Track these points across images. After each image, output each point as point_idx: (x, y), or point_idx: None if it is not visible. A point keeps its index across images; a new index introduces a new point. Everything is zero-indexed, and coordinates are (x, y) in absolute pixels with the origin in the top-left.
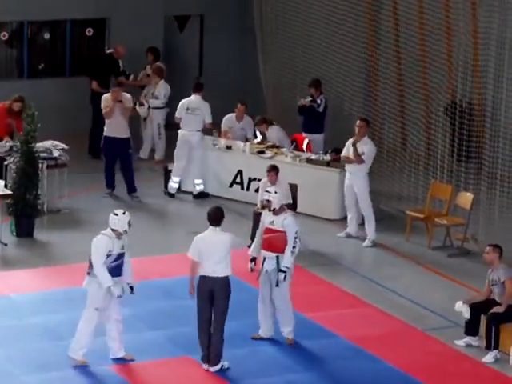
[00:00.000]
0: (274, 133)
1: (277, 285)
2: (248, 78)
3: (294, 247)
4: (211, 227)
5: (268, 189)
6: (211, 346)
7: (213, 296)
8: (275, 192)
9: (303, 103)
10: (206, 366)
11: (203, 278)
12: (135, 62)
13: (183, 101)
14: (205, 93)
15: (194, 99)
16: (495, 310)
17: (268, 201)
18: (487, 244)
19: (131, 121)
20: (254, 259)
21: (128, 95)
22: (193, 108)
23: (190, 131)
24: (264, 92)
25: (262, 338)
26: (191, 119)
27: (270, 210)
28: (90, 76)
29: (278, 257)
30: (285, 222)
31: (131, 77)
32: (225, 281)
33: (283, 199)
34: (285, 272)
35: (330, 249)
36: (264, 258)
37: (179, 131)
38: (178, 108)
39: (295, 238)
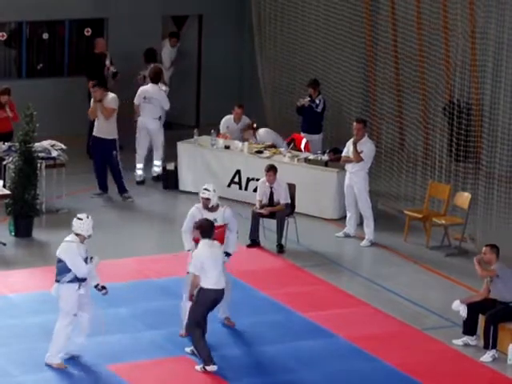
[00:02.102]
0: (264, 135)
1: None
2: (246, 78)
3: (237, 232)
4: (206, 240)
5: (206, 186)
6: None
7: (213, 306)
8: (214, 190)
9: (302, 103)
10: (215, 367)
11: (207, 291)
12: (133, 61)
13: (141, 89)
14: (203, 93)
15: (150, 88)
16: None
17: (207, 199)
18: (484, 244)
19: (130, 121)
20: None
21: (112, 95)
22: (149, 97)
23: (147, 119)
24: (262, 92)
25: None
26: (148, 107)
27: (206, 208)
28: (87, 76)
29: None
30: (226, 215)
31: (110, 71)
32: (223, 292)
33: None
34: (229, 255)
35: (328, 249)
36: None
37: (138, 118)
38: (136, 95)
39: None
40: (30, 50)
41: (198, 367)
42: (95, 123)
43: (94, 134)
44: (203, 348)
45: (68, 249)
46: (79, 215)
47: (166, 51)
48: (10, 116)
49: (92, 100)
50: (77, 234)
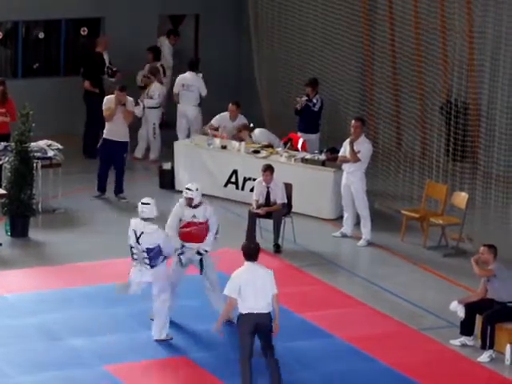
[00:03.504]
0: (259, 135)
1: (201, 271)
2: (243, 77)
3: (216, 233)
4: (248, 263)
5: (189, 186)
6: (274, 372)
7: (256, 330)
8: (196, 189)
9: (300, 105)
10: None
11: (247, 316)
12: (130, 61)
13: (179, 77)
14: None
15: (188, 76)
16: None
17: (190, 199)
18: (482, 244)
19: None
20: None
21: (131, 98)
22: (187, 85)
23: (186, 106)
24: (259, 91)
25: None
26: (186, 95)
27: (190, 207)
28: (82, 76)
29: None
30: (207, 213)
31: (116, 73)
32: (270, 316)
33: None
34: (202, 255)
35: (325, 248)
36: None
37: (178, 106)
38: (175, 84)
39: (218, 224)
40: (25, 49)
41: None
42: (107, 126)
43: (105, 136)
44: (244, 376)
45: (160, 235)
46: (143, 200)
47: (166, 49)
48: (7, 121)
49: (106, 102)
50: (146, 219)
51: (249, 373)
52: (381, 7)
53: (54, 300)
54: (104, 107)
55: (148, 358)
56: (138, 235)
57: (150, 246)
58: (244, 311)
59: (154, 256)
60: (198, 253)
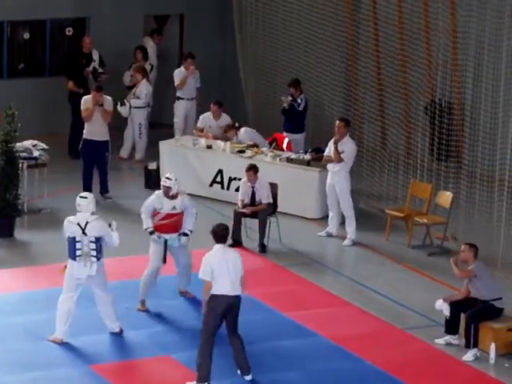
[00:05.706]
0: (243, 134)
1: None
2: (228, 77)
3: (196, 213)
4: (219, 245)
5: (168, 175)
6: (242, 356)
7: (227, 312)
8: (175, 179)
9: (285, 102)
10: None
11: (217, 298)
12: (115, 61)
13: None
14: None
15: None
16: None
17: (168, 187)
18: (464, 242)
19: (117, 119)
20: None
21: (109, 98)
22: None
23: None
24: (244, 91)
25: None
26: None
27: (168, 196)
28: (67, 76)
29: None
30: (185, 203)
31: (102, 76)
32: (239, 299)
33: (180, 186)
34: (187, 235)
35: (310, 248)
36: (165, 240)
37: None
38: None
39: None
40: (11, 50)
41: None
42: (86, 126)
43: (85, 137)
44: (205, 364)
45: (103, 224)
46: (82, 194)
47: (150, 49)
48: None
49: (83, 102)
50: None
51: (209, 352)
52: (365, 7)
53: (39, 300)
54: (82, 107)
55: (134, 358)
56: (83, 226)
57: (98, 235)
58: (217, 293)
59: (100, 248)
60: (184, 234)
